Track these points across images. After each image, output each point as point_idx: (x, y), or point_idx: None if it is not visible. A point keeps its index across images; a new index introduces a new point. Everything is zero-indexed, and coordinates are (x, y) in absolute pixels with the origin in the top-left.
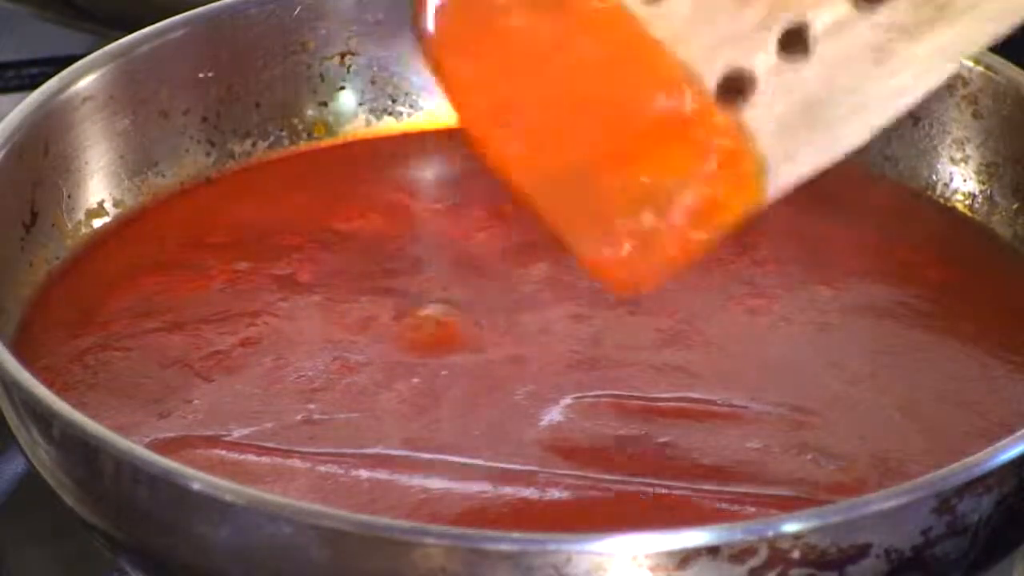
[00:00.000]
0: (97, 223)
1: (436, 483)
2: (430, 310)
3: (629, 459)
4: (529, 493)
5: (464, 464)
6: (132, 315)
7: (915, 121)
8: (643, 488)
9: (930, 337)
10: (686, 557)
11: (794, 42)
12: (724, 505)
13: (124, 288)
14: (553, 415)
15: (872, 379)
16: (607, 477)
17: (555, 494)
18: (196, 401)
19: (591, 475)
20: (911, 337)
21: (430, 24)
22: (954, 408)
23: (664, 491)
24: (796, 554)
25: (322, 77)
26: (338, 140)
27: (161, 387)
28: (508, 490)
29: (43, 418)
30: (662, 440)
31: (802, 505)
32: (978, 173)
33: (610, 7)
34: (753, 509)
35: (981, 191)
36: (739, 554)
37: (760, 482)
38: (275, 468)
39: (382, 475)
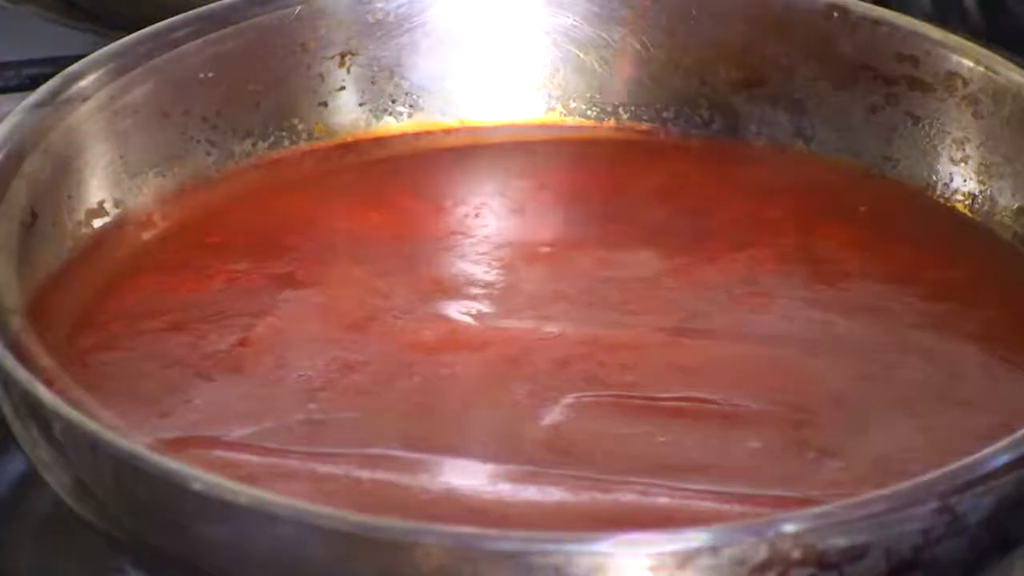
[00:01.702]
0: (97, 223)
1: (436, 483)
2: (430, 309)
3: (629, 459)
4: (529, 493)
5: (464, 464)
6: (132, 315)
7: (915, 121)
8: (643, 488)
9: (930, 337)
10: (686, 557)
11: None
12: (724, 505)
13: (124, 288)
14: (553, 415)
15: (872, 379)
16: (607, 477)
17: (555, 494)
18: (196, 401)
19: (591, 475)
20: (911, 337)
21: None
22: (954, 408)
23: (664, 491)
24: (796, 554)
25: (322, 77)
26: (338, 140)
27: (161, 387)
28: (508, 490)
29: (43, 418)
30: (662, 440)
31: (802, 505)
32: (978, 173)
33: None
34: (753, 509)
35: (981, 191)
36: (739, 554)
37: (760, 482)
38: (275, 468)
39: (382, 475)
